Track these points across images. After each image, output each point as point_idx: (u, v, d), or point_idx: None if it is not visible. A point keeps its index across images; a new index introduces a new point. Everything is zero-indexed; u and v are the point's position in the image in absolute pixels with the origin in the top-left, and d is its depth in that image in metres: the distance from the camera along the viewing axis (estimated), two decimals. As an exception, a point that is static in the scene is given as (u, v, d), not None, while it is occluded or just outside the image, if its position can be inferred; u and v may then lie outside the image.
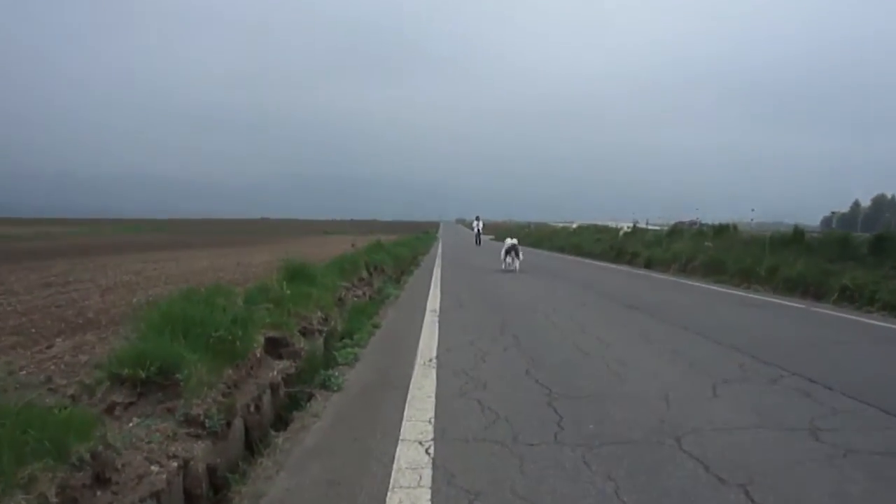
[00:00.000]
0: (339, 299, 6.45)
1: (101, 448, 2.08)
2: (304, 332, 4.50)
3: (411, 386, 3.72)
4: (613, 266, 14.46)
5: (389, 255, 12.41)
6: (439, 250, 22.93)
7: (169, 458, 2.31)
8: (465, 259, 16.62)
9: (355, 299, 7.14)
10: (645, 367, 4.16)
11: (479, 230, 29.86)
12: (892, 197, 70.34)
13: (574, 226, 30.19)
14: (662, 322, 6.00)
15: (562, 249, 22.55)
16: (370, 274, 9.28)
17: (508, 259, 12.46)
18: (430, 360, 4.37)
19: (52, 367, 3.26)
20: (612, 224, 25.84)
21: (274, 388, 3.46)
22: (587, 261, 16.63)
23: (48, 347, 3.83)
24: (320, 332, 4.84)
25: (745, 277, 9.90)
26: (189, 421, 2.58)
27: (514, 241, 13.20)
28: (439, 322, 5.99)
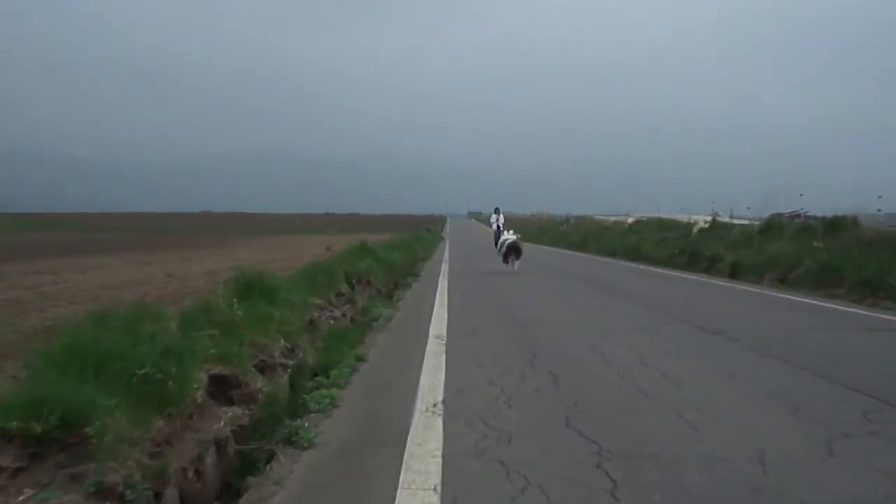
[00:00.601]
0: (310, 322, 6.49)
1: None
2: (263, 368, 4.53)
3: (409, 442, 3.63)
4: (685, 276, 14.56)
5: (379, 261, 12.63)
6: (445, 254, 23.62)
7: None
8: (481, 266, 17.02)
9: (332, 322, 7.18)
10: (730, 414, 4.10)
11: (499, 226, 30.02)
12: None
13: (630, 220, 30.26)
14: (753, 352, 5.99)
15: (613, 253, 22.90)
16: (352, 288, 9.39)
17: (508, 258, 14.90)
18: (435, 406, 4.32)
19: None
20: (682, 218, 25.66)
21: (221, 444, 3.39)
22: (648, 268, 16.93)
23: None
24: (284, 367, 4.86)
25: (870, 291, 9.53)
26: (103, 492, 2.45)
27: (515, 236, 15.64)
28: (447, 353, 6.02)
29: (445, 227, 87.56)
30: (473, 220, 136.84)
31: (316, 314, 6.86)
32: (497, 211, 31.14)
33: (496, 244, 29.25)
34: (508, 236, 15.77)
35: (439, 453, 3.44)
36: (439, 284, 12.41)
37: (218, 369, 3.95)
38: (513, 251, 15.41)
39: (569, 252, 27.04)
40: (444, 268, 16.77)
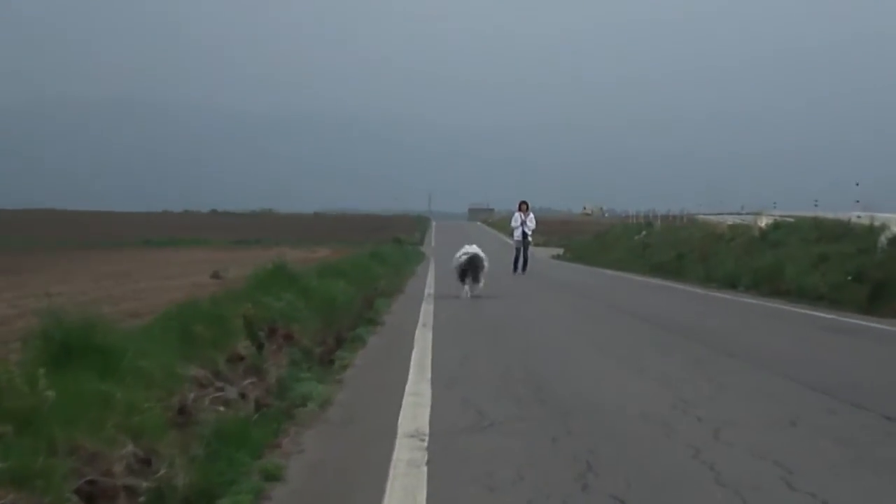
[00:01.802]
0: (182, 411, 6.45)
1: None
2: (93, 496, 4.52)
3: None
4: (867, 324, 15.25)
5: (308, 299, 12.90)
6: (428, 285, 24.44)
7: None
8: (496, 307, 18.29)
9: (222, 410, 7.12)
10: None
11: (525, 233, 30.58)
12: None
13: (763, 223, 30.70)
14: None
15: (732, 282, 24.23)
16: (259, 347, 9.40)
17: (465, 277, 19.63)
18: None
19: None
20: (857, 218, 25.47)
21: None
22: (794, 309, 17.83)
23: None
24: (132, 492, 4.83)
25: None
26: None
27: (476, 250, 19.94)
28: (431, 467, 5.99)
29: (428, 235, 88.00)
30: (479, 224, 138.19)
31: (192, 395, 6.81)
32: (523, 207, 31.41)
33: (514, 263, 30.54)
34: (471, 248, 20.11)
35: None
36: (418, 337, 12.75)
37: (7, 499, 3.88)
38: (471, 268, 19.67)
39: (653, 281, 27.75)
40: (428, 310, 17.27)
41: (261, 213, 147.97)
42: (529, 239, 31.10)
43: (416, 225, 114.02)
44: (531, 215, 31.19)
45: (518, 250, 31.01)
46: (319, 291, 13.95)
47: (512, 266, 30.66)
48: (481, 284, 19.84)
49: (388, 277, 25.65)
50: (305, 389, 8.50)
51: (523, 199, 31.81)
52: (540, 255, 59.57)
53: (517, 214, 31.55)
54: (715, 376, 9.28)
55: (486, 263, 19.98)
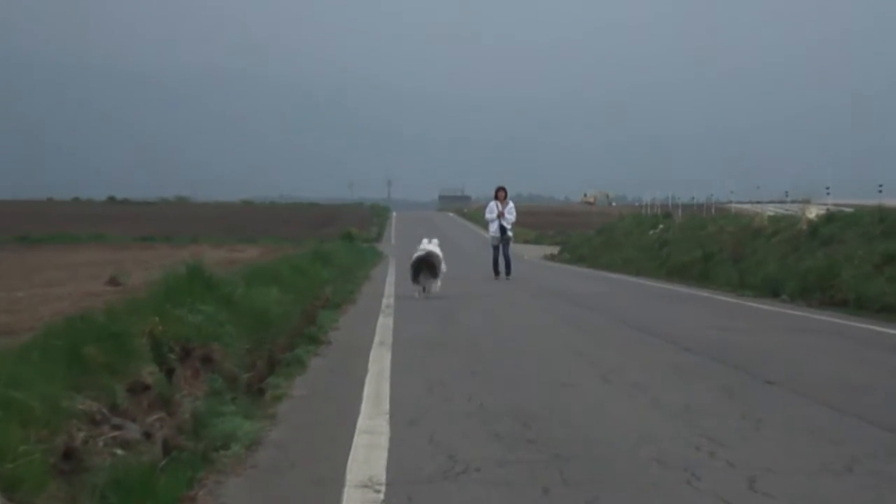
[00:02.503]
0: (67, 455, 6.42)
1: None
2: None
3: None
4: None
5: (234, 311, 13.00)
6: (387, 293, 24.83)
7: None
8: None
9: (119, 455, 7.07)
10: None
11: (503, 226, 30.72)
12: None
13: (812, 214, 30.75)
14: None
15: (774, 289, 24.16)
16: (169, 373, 9.39)
17: (419, 276, 23.35)
18: None
19: None
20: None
21: None
22: (859, 324, 17.86)
23: None
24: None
25: None
26: None
27: (433, 248, 23.94)
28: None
29: (387, 233, 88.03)
30: (452, 215, 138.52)
31: (81, 435, 6.78)
32: (500, 195, 31.51)
33: (494, 266, 30.82)
34: (429, 245, 24.01)
35: None
36: (374, 358, 12.87)
37: None
38: (427, 266, 23.25)
39: (672, 288, 27.97)
40: (386, 325, 17.36)
41: (173, 201, 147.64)
42: (509, 234, 31.21)
43: (373, 217, 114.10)
44: (510, 205, 31.27)
45: (496, 249, 31.10)
46: (247, 302, 13.92)
47: (492, 270, 30.76)
48: (438, 283, 23.53)
49: (337, 283, 25.63)
50: (228, 427, 8.48)
51: (501, 185, 31.91)
52: (530, 254, 59.76)
53: (493, 204, 31.65)
54: (750, 409, 9.32)
55: (442, 264, 23.66)
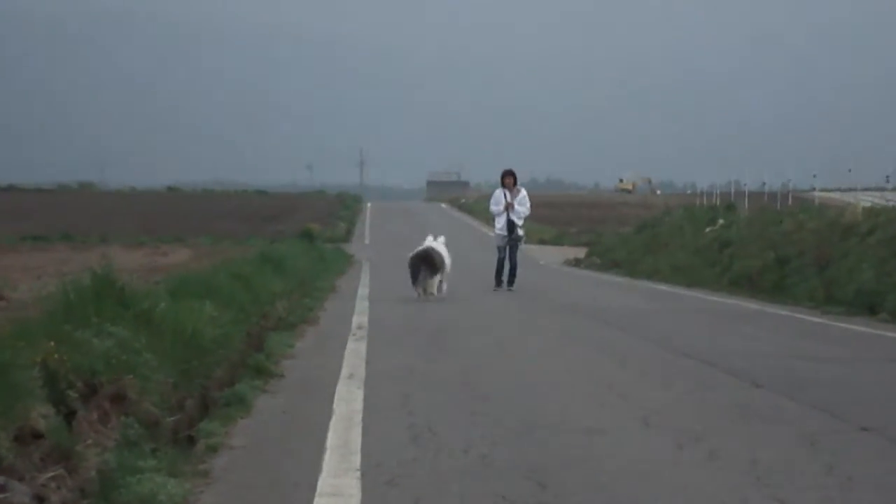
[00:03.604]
0: None
1: None
2: None
3: None
4: None
5: (152, 331, 12.83)
6: (358, 309, 24.98)
7: None
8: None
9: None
10: None
11: (511, 221, 30.65)
12: None
13: None
14: None
15: (872, 305, 24.51)
16: (69, 416, 9.34)
17: (418, 275, 27.20)
18: None
19: None
20: None
21: None
22: None
23: None
24: None
25: None
26: None
27: (437, 241, 28.22)
28: None
29: (359, 225, 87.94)
30: (444, 206, 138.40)
31: None
32: (508, 182, 31.40)
33: (497, 274, 31.28)
34: (433, 243, 28.10)
35: None
36: (341, 398, 12.81)
37: None
38: (426, 264, 27.33)
39: (735, 303, 28.23)
40: (357, 351, 17.32)
41: (75, 189, 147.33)
42: (519, 232, 31.20)
43: (340, 209, 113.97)
44: (522, 193, 31.23)
45: (501, 250, 31.04)
46: (173, 322, 13.81)
47: (494, 277, 30.78)
48: (445, 287, 27.60)
49: (292, 297, 25.57)
50: (147, 488, 8.44)
51: (509, 169, 31.79)
52: (547, 257, 59.83)
53: (499, 192, 31.54)
54: (838, 464, 9.31)
55: (447, 262, 27.51)
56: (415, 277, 26.94)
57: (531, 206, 31.94)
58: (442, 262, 27.29)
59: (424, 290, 26.70)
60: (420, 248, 27.64)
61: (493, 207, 31.94)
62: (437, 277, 27.25)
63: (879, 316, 22.79)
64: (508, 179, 31.17)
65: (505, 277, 30.70)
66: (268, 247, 40.18)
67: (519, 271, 31.39)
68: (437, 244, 27.93)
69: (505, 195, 30.95)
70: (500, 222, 31.18)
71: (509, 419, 11.33)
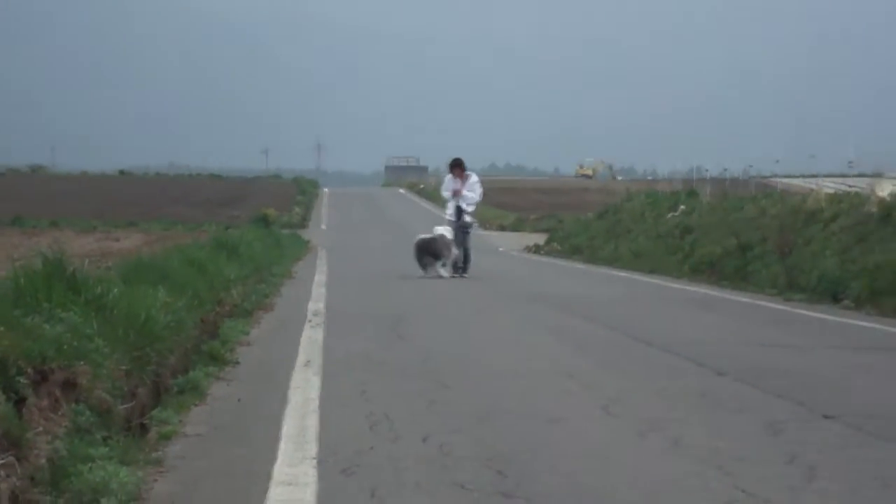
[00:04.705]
0: None
1: None
2: None
3: None
4: None
5: (104, 317, 12.72)
6: (315, 296, 25.32)
7: None
8: None
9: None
10: None
11: (460, 207, 31.08)
12: None
13: (885, 191, 30.69)
14: None
15: (834, 292, 24.58)
16: (18, 403, 9.25)
17: (427, 269, 31.30)
18: None
19: None
20: None
21: None
22: None
23: None
24: None
25: None
26: None
27: (444, 229, 31.18)
28: None
29: (316, 210, 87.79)
30: (402, 192, 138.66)
31: None
32: (456, 169, 31.68)
33: (419, 256, 32.59)
34: (440, 230, 31.34)
35: None
36: (296, 385, 12.82)
37: None
38: (430, 253, 31.38)
39: (697, 290, 28.70)
40: (314, 339, 17.38)
41: (24, 172, 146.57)
42: (467, 218, 31.48)
43: (297, 194, 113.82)
44: (472, 179, 31.51)
45: (456, 230, 31.28)
46: (125, 307, 13.72)
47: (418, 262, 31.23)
48: (445, 272, 30.74)
49: (247, 284, 25.52)
50: (98, 476, 8.42)
51: (457, 158, 32.10)
52: (507, 244, 59.86)
53: (450, 177, 31.88)
54: (800, 453, 9.34)
55: (451, 248, 30.82)
56: (423, 267, 30.89)
57: (483, 191, 32.28)
58: (445, 248, 30.83)
59: (436, 269, 30.84)
60: (425, 236, 31.37)
61: (444, 193, 32.56)
62: (440, 262, 30.72)
63: (842, 303, 22.92)
64: (457, 170, 31.58)
65: (459, 263, 30.91)
66: (222, 233, 40.08)
67: (475, 257, 31.65)
68: (443, 230, 31.01)
69: (454, 183, 31.25)
70: (451, 208, 31.57)
71: (468, 407, 11.37)
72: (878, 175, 33.28)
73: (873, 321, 20.33)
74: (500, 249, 53.44)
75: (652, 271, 35.95)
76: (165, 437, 10.19)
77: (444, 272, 30.45)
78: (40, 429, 9.16)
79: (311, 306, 22.47)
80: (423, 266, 30.76)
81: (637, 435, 10.00)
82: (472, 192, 31.30)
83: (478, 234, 32.96)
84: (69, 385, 10.32)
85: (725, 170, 71.15)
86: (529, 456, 9.00)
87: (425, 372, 13.97)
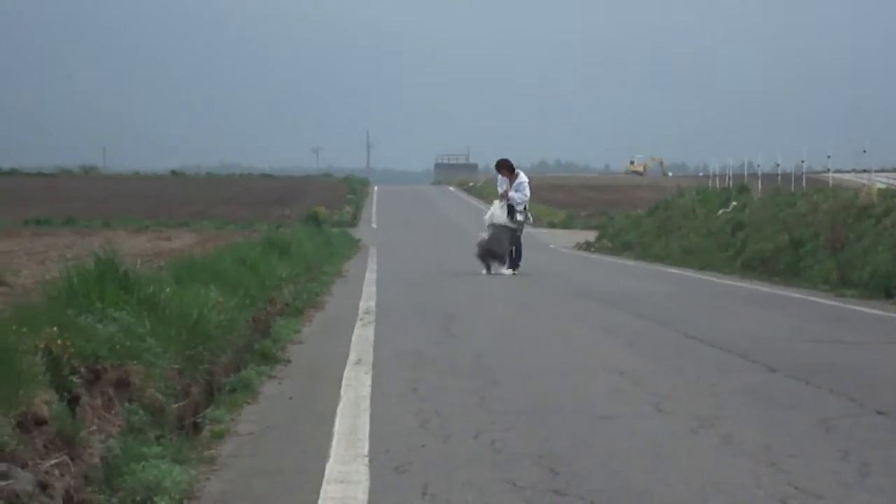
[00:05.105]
0: None
1: None
2: None
3: None
4: None
5: (157, 316, 12.79)
6: (366, 294, 25.08)
7: None
8: None
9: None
10: None
11: (512, 206, 31.08)
12: None
13: None
14: None
15: (888, 287, 24.55)
16: (72, 402, 9.30)
17: (491, 267, 31.54)
18: None
19: None
20: None
21: None
22: None
23: None
24: None
25: None
26: None
27: (511, 198, 31.99)
28: None
29: (366, 209, 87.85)
30: (452, 189, 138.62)
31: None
32: (503, 170, 31.83)
33: (484, 254, 32.39)
34: (498, 211, 31.89)
35: None
36: (349, 384, 12.76)
37: None
38: (492, 256, 31.73)
39: (748, 287, 28.08)
40: (365, 338, 17.32)
41: (77, 173, 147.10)
42: (519, 217, 31.44)
43: (347, 193, 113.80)
44: (519, 179, 31.55)
45: (501, 230, 31.52)
46: (177, 307, 13.75)
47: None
48: (506, 265, 31.21)
49: (299, 282, 25.55)
50: (152, 475, 8.43)
51: (503, 158, 32.33)
52: (557, 241, 59.71)
53: (500, 179, 32.12)
54: (854, 450, 9.30)
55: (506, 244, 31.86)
56: (487, 269, 31.02)
57: (529, 191, 32.32)
58: (504, 251, 31.41)
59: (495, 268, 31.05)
60: (485, 239, 31.70)
61: (499, 189, 32.64)
62: (502, 263, 31.16)
63: (895, 299, 22.70)
64: (504, 171, 31.82)
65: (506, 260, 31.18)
66: (273, 232, 40.07)
67: (526, 254, 31.62)
68: (501, 212, 31.48)
69: (504, 183, 31.48)
70: (496, 207, 31.81)
71: (519, 404, 11.40)
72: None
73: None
74: (551, 246, 53.40)
75: (703, 268, 35.87)
76: (218, 436, 10.20)
77: (506, 271, 30.54)
78: (94, 428, 9.18)
79: (362, 304, 22.46)
80: (487, 266, 30.78)
81: (688, 432, 9.99)
82: (519, 192, 31.32)
83: (528, 232, 32.86)
84: (122, 384, 10.36)
85: (777, 165, 70.44)
86: (581, 453, 9.00)
87: (476, 369, 13.98)
